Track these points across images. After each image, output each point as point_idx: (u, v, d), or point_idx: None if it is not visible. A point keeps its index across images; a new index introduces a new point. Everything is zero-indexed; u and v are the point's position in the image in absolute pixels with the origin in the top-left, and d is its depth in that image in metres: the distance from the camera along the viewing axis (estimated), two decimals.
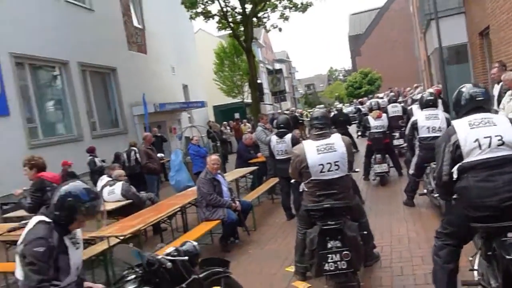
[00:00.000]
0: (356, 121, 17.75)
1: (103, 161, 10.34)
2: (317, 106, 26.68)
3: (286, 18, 16.67)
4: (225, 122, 21.31)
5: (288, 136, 6.79)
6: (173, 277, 2.87)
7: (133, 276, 2.81)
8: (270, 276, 4.73)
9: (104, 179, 7.08)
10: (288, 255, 5.08)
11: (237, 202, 6.08)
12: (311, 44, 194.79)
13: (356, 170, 4.96)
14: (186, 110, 19.68)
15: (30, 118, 10.35)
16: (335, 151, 3.84)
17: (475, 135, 2.83)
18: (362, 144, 10.92)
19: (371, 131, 8.65)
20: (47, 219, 2.62)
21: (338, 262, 3.50)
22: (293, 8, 16.35)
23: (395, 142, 10.10)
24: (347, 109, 25.90)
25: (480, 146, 2.80)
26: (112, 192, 6.58)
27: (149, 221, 5.30)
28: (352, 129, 15.59)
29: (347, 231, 3.58)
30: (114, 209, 6.21)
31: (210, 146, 15.05)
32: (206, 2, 15.74)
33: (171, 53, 19.02)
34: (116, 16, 14.99)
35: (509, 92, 5.28)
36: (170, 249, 3.01)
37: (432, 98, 6.19)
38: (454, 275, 3.03)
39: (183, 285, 2.89)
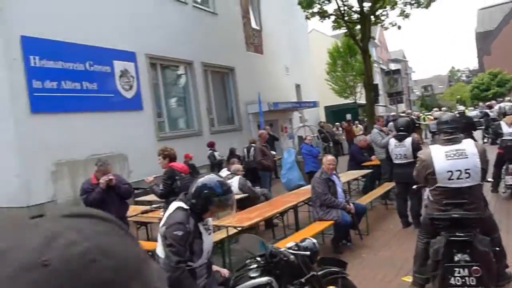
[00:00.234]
0: (483, 127, 16.14)
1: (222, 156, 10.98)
2: (434, 109, 24.83)
3: (407, 16, 15.87)
4: (337, 123, 21.00)
5: (408, 140, 6.47)
6: (293, 271, 2.94)
7: (255, 265, 2.95)
8: (385, 284, 4.56)
9: (224, 172, 7.52)
10: (403, 263, 4.85)
11: (351, 204, 5.97)
12: (431, 43, 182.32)
13: (489, 179, 4.54)
14: (298, 109, 19.90)
15: (159, 113, 11.46)
16: (466, 157, 3.57)
17: None
18: (492, 152, 9.89)
19: (504, 138, 7.81)
20: (184, 206, 2.88)
21: (466, 278, 3.25)
22: (415, 4, 15.47)
23: None
24: (471, 113, 23.68)
25: None
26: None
27: (265, 215, 5.49)
28: (477, 135, 14.21)
29: (477, 244, 3.31)
30: None
31: (322, 146, 14.98)
32: (323, 2, 15.72)
33: (285, 53, 19.38)
34: (237, 18, 15.78)
35: None
36: (290, 243, 3.09)
37: None
38: None
39: (302, 279, 2.95)
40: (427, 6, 15.35)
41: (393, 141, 6.64)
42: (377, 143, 8.40)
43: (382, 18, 16.34)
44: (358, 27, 15.72)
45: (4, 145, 7.88)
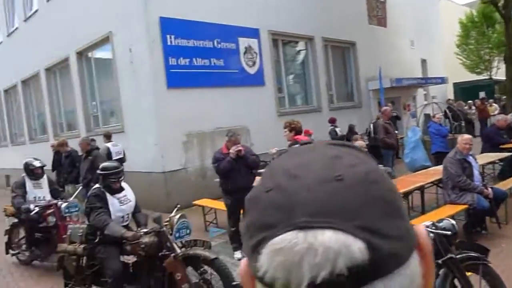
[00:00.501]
0: None
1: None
2: None
3: None
4: (470, 101, 19.03)
5: None
6: None
7: None
8: None
9: None
10: None
11: (490, 189, 5.42)
12: None
13: None
14: (423, 86, 18.52)
15: (279, 88, 11.67)
16: None
17: None
18: None
19: None
20: None
21: None
22: None
23: None
24: None
25: None
26: None
27: None
28: None
29: None
30: None
31: (451, 126, 13.79)
32: None
33: (411, 26, 18.05)
34: None
35: None
36: (427, 222, 2.94)
37: None
38: None
39: (439, 261, 2.80)
40: None
41: None
42: None
43: None
44: None
45: (146, 117, 8.83)
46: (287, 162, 0.46)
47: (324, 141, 0.50)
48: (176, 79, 8.85)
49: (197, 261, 3.81)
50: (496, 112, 16.19)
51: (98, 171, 4.18)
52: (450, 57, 25.36)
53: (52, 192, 6.26)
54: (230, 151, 5.16)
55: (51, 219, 5.78)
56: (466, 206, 5.27)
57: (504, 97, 17.47)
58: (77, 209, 6.02)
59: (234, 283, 3.28)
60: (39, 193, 6.10)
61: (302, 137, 5.34)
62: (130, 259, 4.20)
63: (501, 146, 8.38)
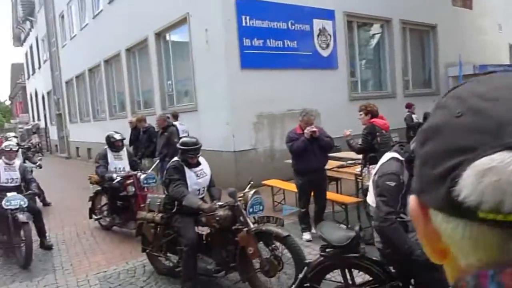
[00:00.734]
0: None
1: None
2: None
3: None
4: None
5: None
6: None
7: None
8: None
9: None
10: None
11: None
12: None
13: None
14: None
15: (352, 72, 11.35)
16: None
17: None
18: None
19: None
20: (399, 157, 2.79)
21: None
22: None
23: None
24: None
25: None
26: None
27: None
28: None
29: None
30: None
31: None
32: None
33: (499, 7, 16.61)
34: None
35: None
36: None
37: None
38: None
39: None
40: None
41: None
42: None
43: None
44: None
45: (219, 97, 9.03)
46: (478, 88, 0.44)
47: None
48: (250, 60, 8.93)
49: (269, 237, 3.86)
50: None
51: (178, 146, 4.34)
52: None
53: (131, 163, 6.66)
54: (305, 131, 5.12)
55: (131, 189, 6.16)
56: None
57: None
58: (154, 180, 6.37)
59: (307, 260, 3.28)
60: (119, 164, 6.52)
61: (378, 121, 5.16)
62: (204, 230, 4.36)
63: None
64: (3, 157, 5.95)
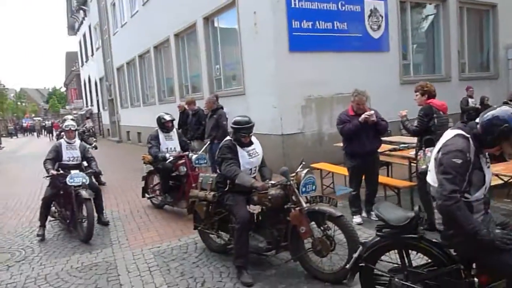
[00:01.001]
0: None
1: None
2: None
3: None
4: None
5: None
6: None
7: None
8: None
9: None
10: None
11: None
12: None
13: None
14: None
15: (404, 54, 10.94)
16: None
17: None
18: None
19: None
20: (465, 134, 2.64)
21: None
22: None
23: None
24: None
25: None
26: None
27: None
28: None
29: None
30: None
31: None
32: None
33: None
34: None
35: None
36: None
37: None
38: None
39: None
40: None
41: None
42: None
43: None
44: None
45: (267, 80, 8.99)
46: None
47: None
48: (298, 43, 8.80)
49: (322, 217, 3.82)
50: None
51: (231, 125, 4.37)
52: None
53: (181, 143, 6.85)
54: (363, 116, 5.02)
55: (183, 169, 6.32)
56: None
57: None
58: (205, 161, 6.49)
59: (362, 240, 3.23)
60: (170, 144, 6.71)
61: (436, 101, 4.92)
62: (256, 209, 4.39)
63: None
64: (64, 137, 6.26)
